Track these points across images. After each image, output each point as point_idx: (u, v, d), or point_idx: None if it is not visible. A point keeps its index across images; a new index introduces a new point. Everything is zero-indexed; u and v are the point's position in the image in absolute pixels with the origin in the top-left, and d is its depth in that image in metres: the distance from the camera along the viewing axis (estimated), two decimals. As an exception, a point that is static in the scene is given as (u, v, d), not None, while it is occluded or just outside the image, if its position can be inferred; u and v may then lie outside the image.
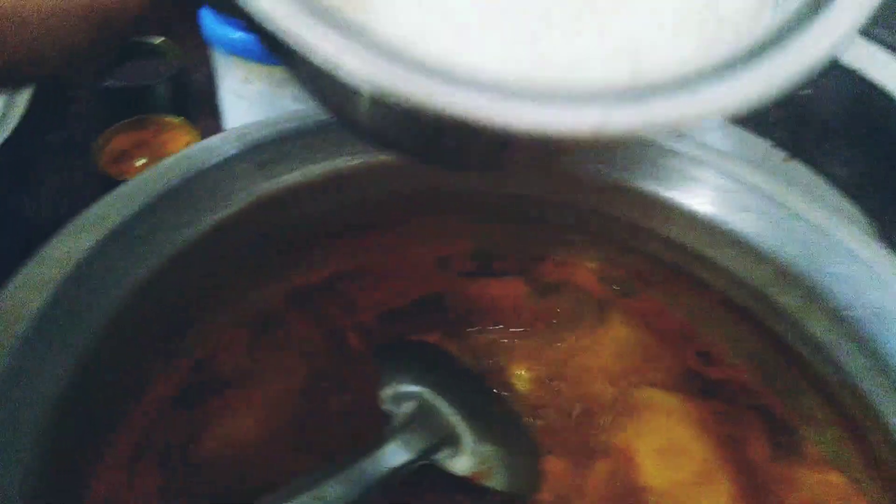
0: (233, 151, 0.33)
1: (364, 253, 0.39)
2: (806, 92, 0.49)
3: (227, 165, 0.33)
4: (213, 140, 0.34)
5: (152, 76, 0.66)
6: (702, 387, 0.37)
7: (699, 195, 0.37)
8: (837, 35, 0.17)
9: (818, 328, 0.34)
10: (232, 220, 0.33)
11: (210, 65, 0.65)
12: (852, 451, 0.34)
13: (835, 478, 0.34)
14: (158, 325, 0.32)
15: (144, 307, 0.30)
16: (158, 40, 0.69)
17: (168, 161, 0.32)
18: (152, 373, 0.33)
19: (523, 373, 0.38)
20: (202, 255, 0.33)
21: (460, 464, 0.32)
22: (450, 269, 0.41)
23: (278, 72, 0.52)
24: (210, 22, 0.62)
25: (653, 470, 0.33)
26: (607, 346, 0.38)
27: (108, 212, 0.30)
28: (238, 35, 0.61)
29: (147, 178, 0.31)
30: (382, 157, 0.36)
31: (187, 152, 0.33)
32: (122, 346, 0.30)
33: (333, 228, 0.38)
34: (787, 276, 0.35)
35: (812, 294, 0.34)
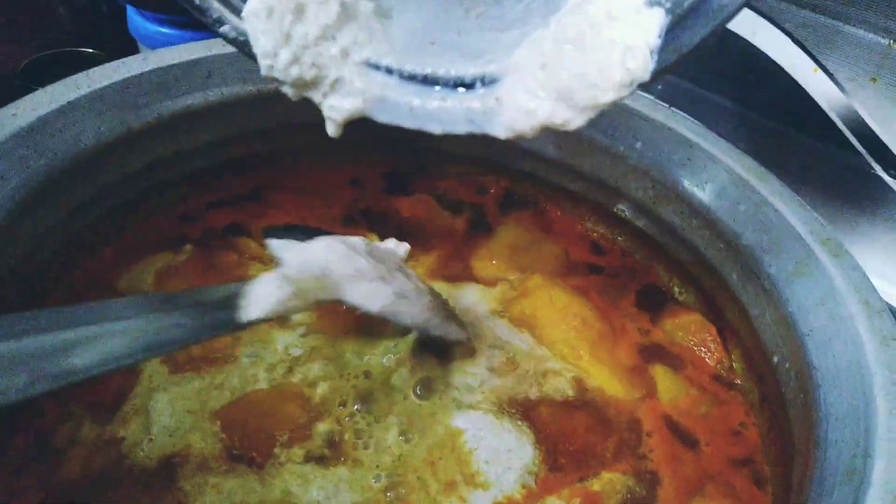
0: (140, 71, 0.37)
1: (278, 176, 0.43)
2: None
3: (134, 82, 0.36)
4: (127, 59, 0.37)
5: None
6: (588, 269, 0.43)
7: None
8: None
9: (669, 215, 0.40)
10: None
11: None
12: (703, 302, 0.41)
13: (693, 316, 0.40)
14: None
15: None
16: (90, 51, 0.73)
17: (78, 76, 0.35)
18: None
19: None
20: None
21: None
22: (363, 188, 0.45)
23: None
24: (136, 21, 0.67)
25: (549, 329, 0.38)
26: (506, 245, 0.43)
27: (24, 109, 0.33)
28: (162, 30, 0.65)
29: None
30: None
31: (98, 69, 0.36)
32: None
33: (245, 153, 0.42)
34: (638, 171, 0.40)
35: (663, 187, 0.39)
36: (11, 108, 0.32)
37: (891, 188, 0.50)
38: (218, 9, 0.29)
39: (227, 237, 0.41)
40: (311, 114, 0.41)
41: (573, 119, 0.24)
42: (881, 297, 0.31)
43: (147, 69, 0.37)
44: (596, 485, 0.31)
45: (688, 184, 0.39)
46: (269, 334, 0.36)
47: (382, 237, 0.37)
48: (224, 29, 0.30)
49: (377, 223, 0.43)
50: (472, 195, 0.46)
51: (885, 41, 0.47)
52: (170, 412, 0.32)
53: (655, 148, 0.39)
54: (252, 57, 0.28)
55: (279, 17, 0.27)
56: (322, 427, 0.32)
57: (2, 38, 0.85)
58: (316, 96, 0.29)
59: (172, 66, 0.37)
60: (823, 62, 0.50)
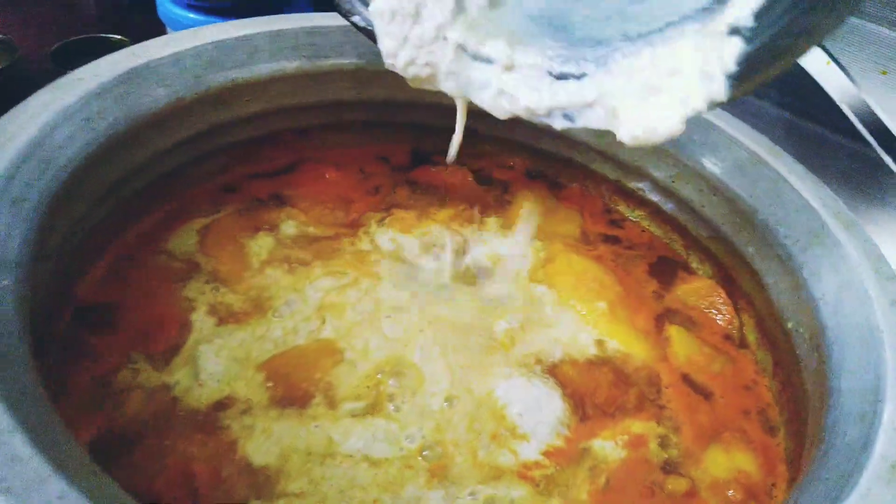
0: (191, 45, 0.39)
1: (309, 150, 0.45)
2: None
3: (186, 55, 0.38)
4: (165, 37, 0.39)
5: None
6: (605, 240, 0.45)
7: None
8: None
9: (688, 192, 0.42)
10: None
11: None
12: (719, 274, 0.43)
13: (705, 281, 0.43)
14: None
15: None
16: (117, 37, 0.75)
17: (136, 47, 0.38)
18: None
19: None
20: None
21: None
22: (391, 164, 0.47)
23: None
24: (166, 6, 0.69)
25: (570, 292, 0.40)
26: (530, 214, 0.45)
27: (88, 74, 0.35)
28: (191, 16, 0.67)
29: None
30: (321, 65, 0.43)
31: (154, 41, 0.38)
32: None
33: (285, 127, 0.44)
34: (659, 152, 0.42)
35: (684, 166, 0.41)
36: (78, 73, 0.35)
37: (899, 177, 0.52)
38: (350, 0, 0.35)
39: (269, 204, 0.43)
40: (344, 93, 0.44)
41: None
42: (891, 265, 0.33)
43: (198, 43, 0.39)
44: (635, 427, 0.34)
45: (707, 163, 0.41)
46: (303, 282, 0.39)
47: (424, 203, 0.40)
48: (355, 19, 0.36)
49: (418, 191, 0.46)
50: (499, 171, 0.48)
51: (895, 35, 0.49)
52: (216, 362, 0.34)
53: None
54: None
55: (400, 21, 0.33)
56: (359, 382, 0.34)
57: (29, 24, 0.87)
58: (431, 87, 0.36)
59: (222, 41, 0.40)
60: (836, 55, 0.52)
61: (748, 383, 0.38)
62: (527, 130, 0.47)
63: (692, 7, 0.29)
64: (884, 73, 0.52)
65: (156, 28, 0.72)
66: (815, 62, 0.54)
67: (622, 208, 0.47)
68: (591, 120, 0.32)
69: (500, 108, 0.35)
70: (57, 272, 0.32)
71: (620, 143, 0.44)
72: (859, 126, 0.53)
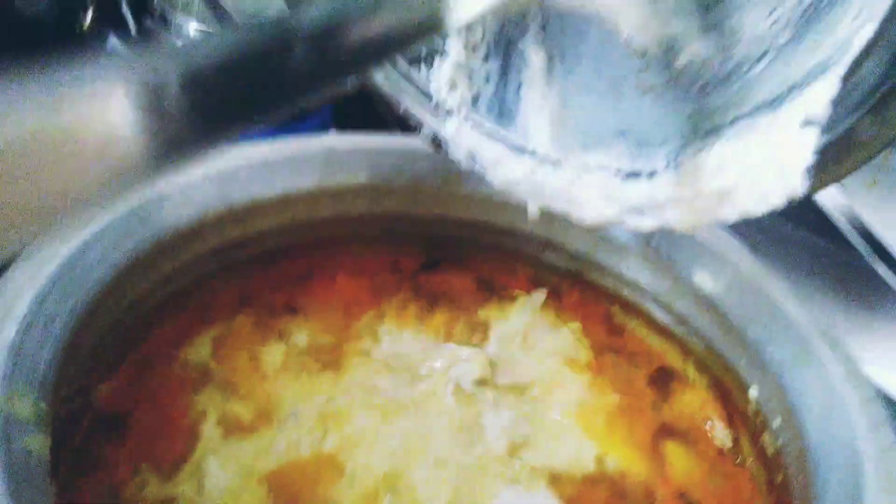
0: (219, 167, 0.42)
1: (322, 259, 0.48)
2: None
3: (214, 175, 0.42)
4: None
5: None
6: (604, 351, 0.47)
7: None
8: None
9: (683, 306, 0.43)
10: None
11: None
12: (715, 387, 0.44)
13: (702, 394, 0.44)
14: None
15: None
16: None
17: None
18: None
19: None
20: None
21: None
22: (402, 272, 0.49)
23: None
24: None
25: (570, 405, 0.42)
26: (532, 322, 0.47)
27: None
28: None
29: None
30: (336, 182, 0.46)
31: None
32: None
33: (301, 241, 0.47)
34: (655, 266, 0.44)
35: (677, 281, 0.43)
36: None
37: (890, 287, 0.53)
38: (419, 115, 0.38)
39: (281, 313, 0.45)
40: (357, 207, 0.47)
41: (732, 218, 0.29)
42: (872, 385, 0.34)
43: (222, 166, 0.42)
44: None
45: (699, 279, 0.43)
46: (309, 387, 0.40)
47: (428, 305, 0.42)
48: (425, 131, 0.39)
49: (422, 295, 0.48)
50: (503, 279, 0.50)
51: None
52: (221, 474, 0.36)
53: (671, 246, 0.44)
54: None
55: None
56: (356, 498, 0.35)
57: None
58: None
59: (244, 164, 0.43)
60: (826, 168, 0.55)
61: (745, 501, 0.38)
62: (529, 242, 0.50)
63: (762, 98, 0.28)
64: (872, 184, 0.54)
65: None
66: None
67: (622, 319, 0.48)
68: (663, 220, 0.32)
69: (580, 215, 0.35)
70: (79, 388, 0.34)
71: (620, 256, 0.47)
72: (849, 235, 0.55)
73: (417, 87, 0.38)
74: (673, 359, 0.46)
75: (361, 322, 0.46)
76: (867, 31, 0.23)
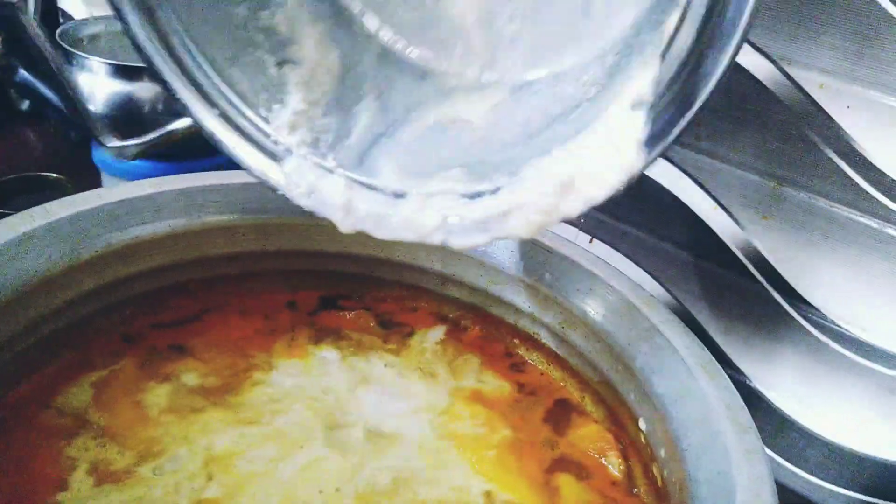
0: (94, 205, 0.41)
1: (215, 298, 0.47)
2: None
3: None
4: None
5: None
6: (504, 385, 0.46)
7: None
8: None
9: (576, 338, 0.44)
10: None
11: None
12: (609, 418, 0.44)
13: (595, 426, 0.44)
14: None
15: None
16: (54, 176, 0.78)
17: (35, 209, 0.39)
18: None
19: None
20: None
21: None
22: (299, 310, 0.48)
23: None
24: (98, 150, 0.72)
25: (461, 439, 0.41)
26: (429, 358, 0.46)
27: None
28: (126, 164, 0.70)
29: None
30: (234, 219, 0.45)
31: (56, 203, 0.40)
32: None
33: (188, 280, 0.46)
34: (548, 299, 0.44)
35: (569, 314, 0.44)
36: (-29, 238, 0.36)
37: (791, 316, 0.54)
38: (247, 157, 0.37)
39: (169, 354, 0.44)
40: (250, 245, 0.46)
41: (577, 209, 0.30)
42: (748, 415, 0.35)
43: (101, 203, 0.41)
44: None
45: (590, 311, 0.43)
46: (195, 429, 0.39)
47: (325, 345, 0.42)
48: (255, 173, 0.37)
49: (320, 333, 0.48)
50: (402, 315, 0.50)
51: (771, 184, 0.53)
52: (90, 529, 0.34)
53: (562, 278, 0.44)
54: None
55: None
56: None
57: (-25, 160, 0.89)
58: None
59: (124, 200, 0.41)
60: (722, 201, 0.56)
61: (635, 533, 0.38)
62: (429, 276, 0.49)
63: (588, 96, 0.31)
64: (765, 218, 0.56)
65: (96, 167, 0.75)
66: (704, 207, 0.57)
67: (522, 351, 0.48)
68: (506, 229, 0.32)
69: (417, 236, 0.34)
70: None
71: (515, 289, 0.47)
72: (748, 265, 0.57)
73: (255, 127, 0.37)
74: (571, 391, 0.46)
75: (255, 360, 0.45)
76: (674, 17, 0.27)
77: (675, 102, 0.28)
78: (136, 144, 0.50)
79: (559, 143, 0.31)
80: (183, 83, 0.34)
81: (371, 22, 0.39)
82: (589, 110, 0.31)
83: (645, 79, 0.27)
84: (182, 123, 0.52)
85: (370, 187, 0.35)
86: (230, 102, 0.36)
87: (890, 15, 0.43)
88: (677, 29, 0.27)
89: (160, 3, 0.33)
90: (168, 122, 0.61)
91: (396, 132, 0.35)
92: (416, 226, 0.33)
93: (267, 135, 0.36)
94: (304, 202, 0.36)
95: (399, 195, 0.34)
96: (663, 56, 0.28)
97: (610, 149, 0.28)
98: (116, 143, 0.48)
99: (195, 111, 0.35)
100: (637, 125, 0.28)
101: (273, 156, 0.36)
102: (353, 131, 0.36)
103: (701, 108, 0.28)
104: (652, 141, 0.28)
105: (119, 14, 0.33)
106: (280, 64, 0.37)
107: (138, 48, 0.34)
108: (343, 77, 0.37)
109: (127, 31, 0.33)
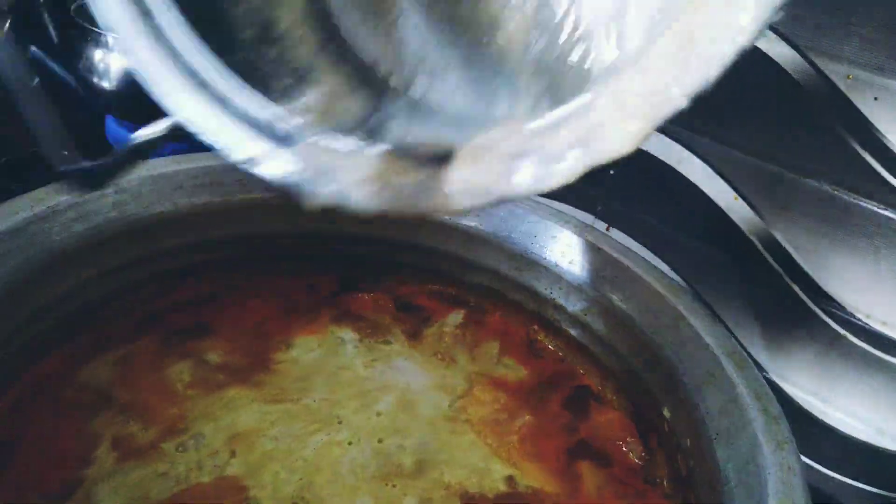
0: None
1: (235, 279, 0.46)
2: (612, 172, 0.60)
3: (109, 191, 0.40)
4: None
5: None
6: (523, 371, 0.46)
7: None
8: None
9: (599, 326, 0.43)
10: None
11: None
12: (631, 407, 0.44)
13: (616, 414, 0.44)
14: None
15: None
16: (64, 153, 0.77)
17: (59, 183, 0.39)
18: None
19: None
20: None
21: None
22: (318, 292, 0.48)
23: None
24: (113, 127, 0.71)
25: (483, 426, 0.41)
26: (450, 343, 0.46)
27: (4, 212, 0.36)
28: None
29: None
30: (258, 198, 0.44)
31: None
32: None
33: (212, 259, 0.45)
34: (571, 285, 0.44)
35: (593, 301, 0.43)
36: (-5, 210, 0.36)
37: (809, 308, 0.54)
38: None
39: (190, 333, 0.43)
40: (272, 225, 0.46)
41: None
42: (778, 406, 0.35)
43: (123, 181, 0.40)
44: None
45: (615, 298, 0.43)
46: (218, 406, 0.39)
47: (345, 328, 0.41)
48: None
49: (340, 315, 0.47)
50: (421, 298, 0.50)
51: (792, 175, 0.53)
52: (113, 501, 0.34)
53: (585, 265, 0.44)
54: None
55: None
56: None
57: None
58: None
59: (147, 177, 0.41)
60: (742, 191, 0.56)
61: (657, 519, 0.38)
62: (450, 260, 0.49)
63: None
64: (786, 209, 0.55)
65: (108, 146, 0.74)
66: (724, 197, 0.57)
67: (542, 338, 0.48)
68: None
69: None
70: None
71: (539, 276, 0.47)
72: (767, 256, 0.56)
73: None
74: (592, 379, 0.46)
75: (276, 339, 0.44)
76: None
77: None
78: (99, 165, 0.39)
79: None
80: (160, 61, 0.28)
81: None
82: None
83: None
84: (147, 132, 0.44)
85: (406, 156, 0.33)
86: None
87: (923, 6, 0.43)
88: None
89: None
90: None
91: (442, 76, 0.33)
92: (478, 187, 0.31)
93: (279, 116, 0.33)
94: (323, 190, 0.33)
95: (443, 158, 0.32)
96: None
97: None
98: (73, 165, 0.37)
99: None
100: None
101: (280, 139, 0.32)
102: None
103: None
104: None
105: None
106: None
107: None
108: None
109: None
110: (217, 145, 0.28)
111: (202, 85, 0.28)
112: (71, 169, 0.36)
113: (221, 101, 0.28)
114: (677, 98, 0.22)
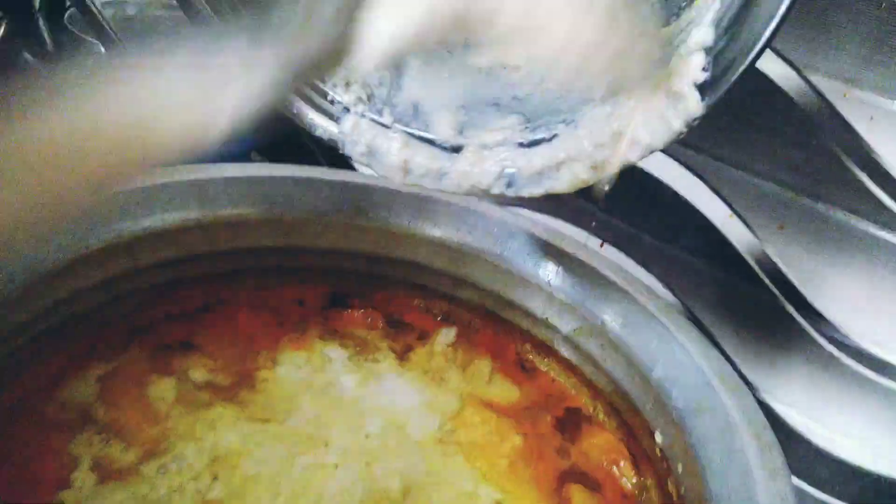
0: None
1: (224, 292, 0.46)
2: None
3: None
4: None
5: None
6: (514, 391, 0.45)
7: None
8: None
9: (590, 346, 0.43)
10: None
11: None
12: (622, 429, 0.43)
13: (608, 437, 0.43)
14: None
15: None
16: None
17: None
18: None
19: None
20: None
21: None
22: (308, 307, 0.47)
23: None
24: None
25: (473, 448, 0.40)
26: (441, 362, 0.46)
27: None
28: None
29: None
30: (246, 212, 0.44)
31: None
32: None
33: (199, 273, 0.45)
34: (562, 304, 0.43)
35: (584, 320, 0.43)
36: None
37: (803, 328, 0.54)
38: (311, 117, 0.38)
39: (176, 348, 0.43)
40: (262, 239, 0.45)
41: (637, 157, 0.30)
42: (772, 433, 0.34)
43: (112, 192, 0.40)
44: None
45: (606, 318, 0.42)
46: (201, 433, 0.38)
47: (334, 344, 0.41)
48: (319, 133, 0.38)
49: (328, 331, 0.47)
50: (411, 315, 0.49)
51: (788, 194, 0.52)
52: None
53: (578, 284, 0.43)
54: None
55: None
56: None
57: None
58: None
59: (135, 189, 0.40)
60: (737, 209, 0.55)
61: (647, 546, 0.38)
62: (442, 277, 0.48)
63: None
64: (781, 227, 0.55)
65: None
66: (719, 214, 0.57)
67: (533, 357, 0.48)
68: (556, 184, 0.33)
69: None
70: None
71: (531, 295, 0.46)
72: (761, 274, 0.56)
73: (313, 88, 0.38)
74: (583, 400, 0.45)
75: (263, 356, 0.44)
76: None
77: (735, 45, 0.28)
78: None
79: (617, 87, 0.30)
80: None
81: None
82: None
83: (704, 23, 0.28)
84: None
85: (427, 141, 0.35)
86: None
87: (919, 26, 0.42)
88: None
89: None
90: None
91: (449, 80, 0.35)
92: (475, 178, 0.33)
93: (324, 94, 0.37)
94: (364, 161, 0.36)
95: (455, 149, 0.34)
96: None
97: (670, 95, 0.29)
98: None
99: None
100: (697, 70, 0.28)
101: (331, 116, 0.37)
102: (404, 82, 0.35)
103: (759, 54, 0.28)
104: (712, 85, 0.28)
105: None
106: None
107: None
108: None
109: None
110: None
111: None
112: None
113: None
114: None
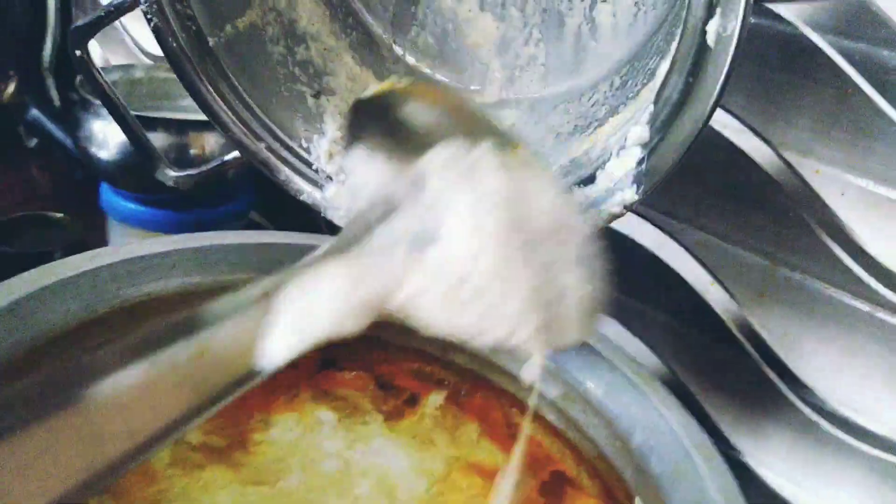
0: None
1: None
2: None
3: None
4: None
5: (49, 244, 0.74)
6: (502, 456, 0.46)
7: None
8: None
9: (573, 412, 0.44)
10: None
11: (106, 235, 0.74)
12: (605, 494, 0.44)
13: (591, 501, 0.44)
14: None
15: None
16: (59, 215, 0.79)
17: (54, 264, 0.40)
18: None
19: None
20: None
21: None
22: (299, 369, 0.49)
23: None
24: (107, 194, 0.73)
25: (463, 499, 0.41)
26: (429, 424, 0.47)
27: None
28: (131, 206, 0.71)
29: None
30: (244, 278, 0.46)
31: (75, 258, 0.41)
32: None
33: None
34: (548, 371, 0.45)
35: (569, 387, 0.44)
36: (-11, 290, 0.37)
37: (783, 394, 0.55)
38: (298, 183, 0.43)
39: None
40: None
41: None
42: (744, 500, 0.35)
43: (117, 259, 0.42)
44: None
45: (589, 385, 0.44)
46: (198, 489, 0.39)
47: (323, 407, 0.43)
48: (303, 197, 0.43)
49: (320, 394, 0.48)
50: (401, 378, 0.50)
51: (767, 263, 0.54)
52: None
53: (562, 352, 0.45)
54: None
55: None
56: None
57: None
58: None
59: (142, 256, 0.42)
60: (719, 277, 0.57)
61: None
62: (432, 341, 0.50)
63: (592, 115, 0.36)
64: (762, 296, 0.57)
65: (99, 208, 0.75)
66: (702, 281, 0.59)
67: (519, 421, 0.49)
68: None
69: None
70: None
71: (516, 358, 0.48)
72: (743, 341, 0.58)
73: (298, 158, 0.42)
74: (568, 465, 0.46)
75: (256, 418, 0.45)
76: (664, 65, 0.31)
77: (668, 144, 0.32)
78: (192, 175, 0.52)
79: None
80: (233, 122, 0.42)
81: (398, 47, 0.45)
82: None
83: (641, 122, 0.32)
84: (234, 155, 0.54)
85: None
86: (275, 137, 0.42)
87: (882, 111, 0.45)
88: (667, 76, 0.31)
89: (213, 51, 0.39)
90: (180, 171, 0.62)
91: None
92: None
93: (309, 164, 0.42)
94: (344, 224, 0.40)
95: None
96: (655, 101, 0.32)
97: (610, 182, 0.33)
98: (174, 173, 0.51)
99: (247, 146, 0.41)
100: (634, 162, 0.32)
101: (316, 183, 0.41)
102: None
103: (689, 150, 0.32)
104: (647, 177, 0.33)
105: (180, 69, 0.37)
106: (316, 95, 0.41)
107: (196, 93, 0.41)
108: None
109: (184, 79, 0.40)
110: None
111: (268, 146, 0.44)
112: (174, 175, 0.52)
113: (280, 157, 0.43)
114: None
